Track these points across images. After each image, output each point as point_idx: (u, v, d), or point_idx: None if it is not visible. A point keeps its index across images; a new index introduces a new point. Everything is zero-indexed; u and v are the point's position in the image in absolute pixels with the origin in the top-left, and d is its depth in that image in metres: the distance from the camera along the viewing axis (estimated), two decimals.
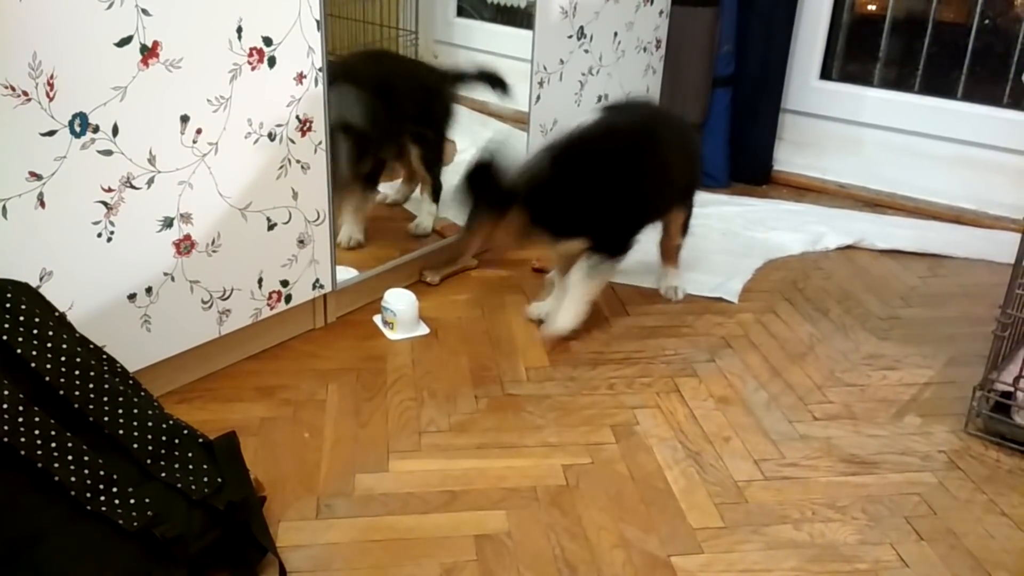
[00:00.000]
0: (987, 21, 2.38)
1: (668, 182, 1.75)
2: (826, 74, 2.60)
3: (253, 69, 1.39)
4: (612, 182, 1.60)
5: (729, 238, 2.18)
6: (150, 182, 1.30)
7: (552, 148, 1.61)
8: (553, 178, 1.57)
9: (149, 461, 1.07)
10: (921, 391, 1.57)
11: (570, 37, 2.05)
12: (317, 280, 1.63)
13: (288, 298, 1.58)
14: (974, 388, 1.44)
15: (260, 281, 1.52)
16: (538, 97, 2.02)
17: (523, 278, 1.95)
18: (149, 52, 1.24)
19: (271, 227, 1.51)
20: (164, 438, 1.09)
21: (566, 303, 1.68)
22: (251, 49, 1.37)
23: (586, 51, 2.11)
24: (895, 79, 2.55)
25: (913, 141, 2.46)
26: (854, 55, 2.61)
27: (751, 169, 2.58)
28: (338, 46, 2.31)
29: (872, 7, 2.59)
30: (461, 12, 2.73)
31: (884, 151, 2.51)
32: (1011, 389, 1.40)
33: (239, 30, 1.35)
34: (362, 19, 2.51)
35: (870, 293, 1.95)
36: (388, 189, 2.23)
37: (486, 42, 2.52)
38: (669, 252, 1.90)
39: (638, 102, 2.11)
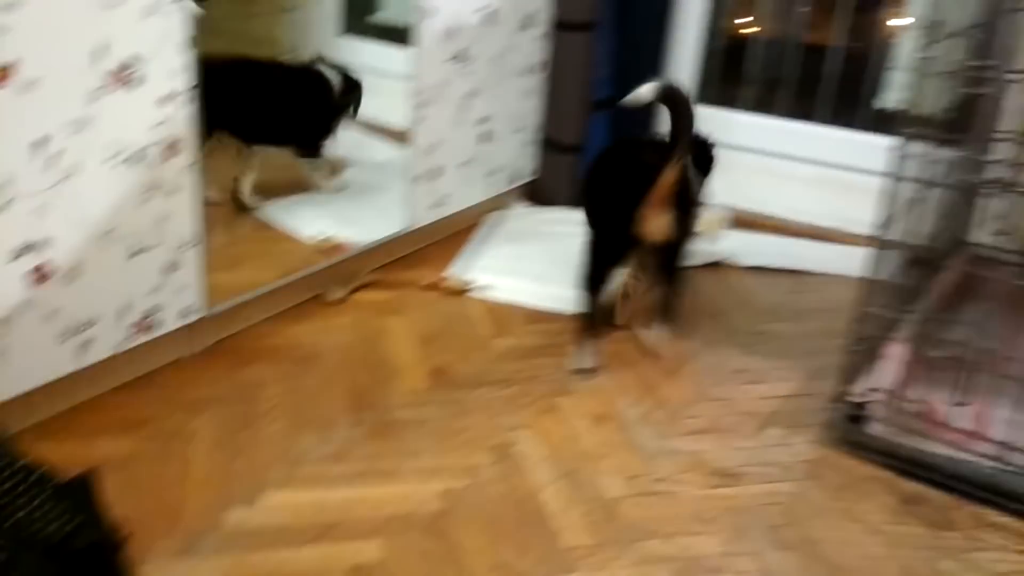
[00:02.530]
0: (841, 46, 2.53)
1: None
2: (702, 98, 2.70)
3: (116, 90, 1.34)
4: None
5: None
6: (3, 208, 1.24)
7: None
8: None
9: None
10: (783, 404, 1.65)
11: (452, 59, 2.07)
12: (188, 306, 1.58)
13: (156, 326, 1.53)
14: (830, 400, 1.52)
15: (125, 309, 1.46)
16: (420, 117, 2.02)
17: (406, 300, 1.95)
18: (3, 72, 1.18)
19: (136, 253, 1.46)
20: (10, 483, 1.04)
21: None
22: (114, 69, 1.33)
23: (467, 73, 2.13)
24: (762, 103, 2.67)
25: (777, 163, 2.59)
26: (724, 79, 2.73)
27: None
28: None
29: (743, 31, 2.71)
30: (346, 30, 2.72)
31: (751, 172, 2.62)
32: (864, 400, 1.48)
33: (102, 49, 1.30)
34: (242, 36, 2.46)
35: (738, 309, 2.03)
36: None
37: (371, 61, 2.51)
38: None
39: None
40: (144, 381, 1.56)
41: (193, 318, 1.60)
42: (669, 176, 1.57)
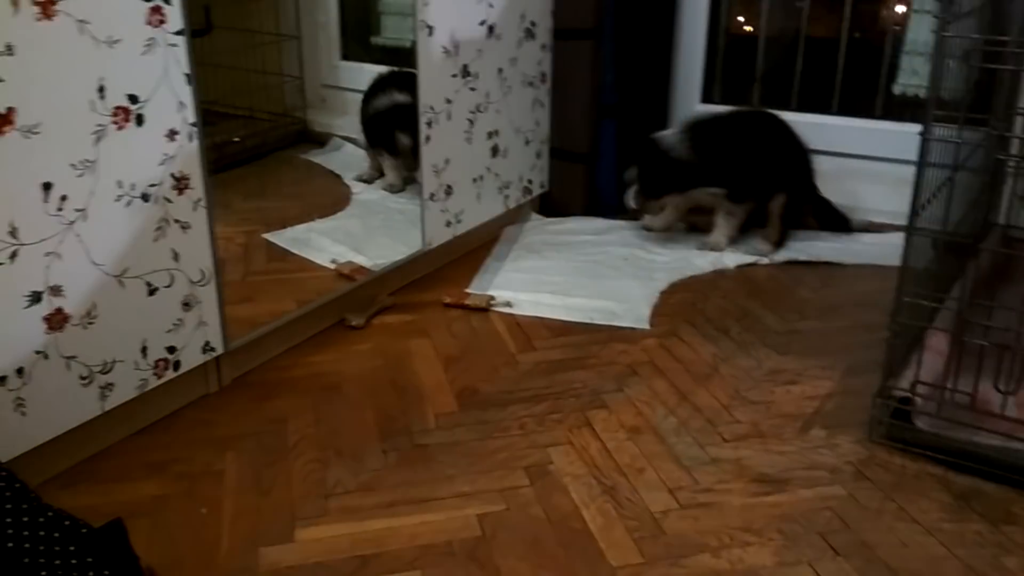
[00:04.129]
0: (856, 35, 2.49)
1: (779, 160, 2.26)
2: (707, 97, 2.66)
3: (120, 129, 1.32)
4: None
5: (632, 263, 2.20)
6: (13, 256, 1.21)
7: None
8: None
9: (27, 560, 0.98)
10: (823, 403, 1.60)
11: (455, 76, 2.04)
12: (207, 343, 1.55)
13: (176, 365, 1.50)
14: (873, 396, 1.47)
15: (144, 350, 1.44)
16: (427, 137, 2.00)
17: (428, 321, 1.91)
18: (3, 119, 1.16)
19: (152, 292, 1.43)
20: (42, 533, 1.01)
21: (717, 232, 2.26)
22: (116, 108, 1.31)
23: (472, 89, 2.11)
24: (772, 98, 2.63)
25: None
26: (732, 76, 2.69)
27: None
28: (218, 96, 2.24)
29: (748, 28, 2.68)
30: (347, 55, 2.70)
31: None
32: (909, 395, 1.43)
33: (101, 89, 1.28)
34: (243, 67, 2.45)
35: (767, 309, 1.98)
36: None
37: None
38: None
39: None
40: (168, 422, 1.52)
41: (213, 354, 1.57)
42: None
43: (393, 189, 2.35)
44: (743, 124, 2.30)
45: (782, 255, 2.24)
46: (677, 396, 1.62)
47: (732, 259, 2.23)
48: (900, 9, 2.45)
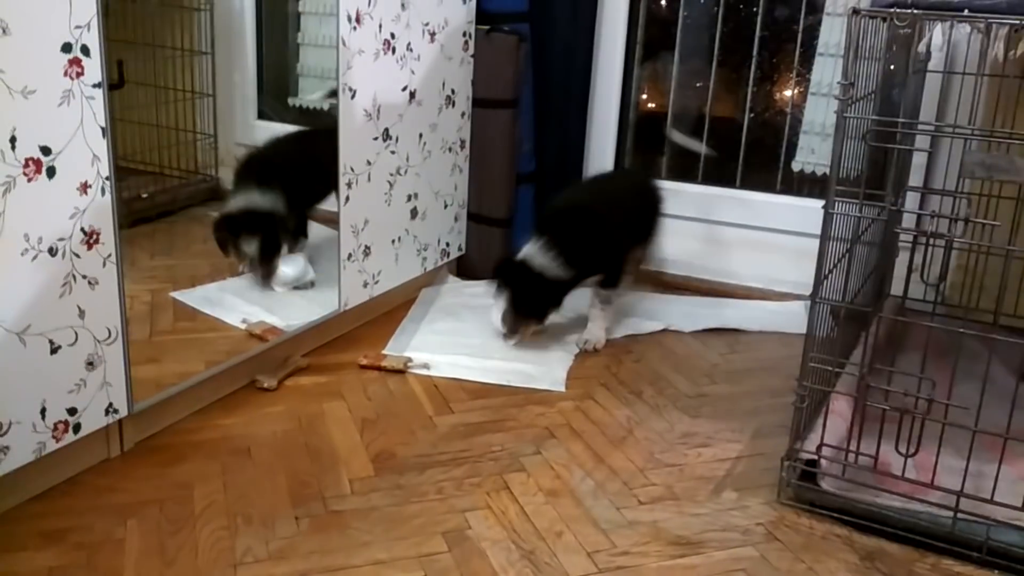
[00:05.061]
0: (753, 115, 2.63)
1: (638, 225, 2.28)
2: (618, 169, 2.75)
3: (30, 181, 1.27)
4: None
5: (548, 327, 2.22)
6: None
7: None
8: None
9: None
10: (734, 465, 1.64)
11: (376, 139, 2.05)
12: (110, 404, 1.48)
13: (77, 427, 1.43)
14: (781, 459, 1.51)
15: (43, 411, 1.36)
16: (347, 198, 2.00)
17: (343, 382, 1.88)
18: None
19: (54, 350, 1.37)
20: None
21: (594, 326, 2.16)
22: (27, 159, 1.26)
23: (392, 152, 2.12)
24: (680, 171, 2.75)
25: (701, 227, 2.64)
26: (642, 150, 2.80)
27: None
28: (127, 151, 2.19)
29: (652, 105, 2.80)
30: (262, 115, 2.69)
31: (676, 237, 2.66)
32: (815, 457, 1.48)
33: (12, 140, 1.24)
34: (155, 123, 2.41)
35: (678, 373, 2.03)
36: None
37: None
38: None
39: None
40: (66, 487, 1.44)
41: (117, 416, 1.50)
42: None
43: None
44: (598, 207, 2.15)
45: (691, 323, 2.30)
46: (594, 459, 1.63)
47: (648, 326, 2.28)
48: (797, 91, 2.61)
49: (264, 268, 2.14)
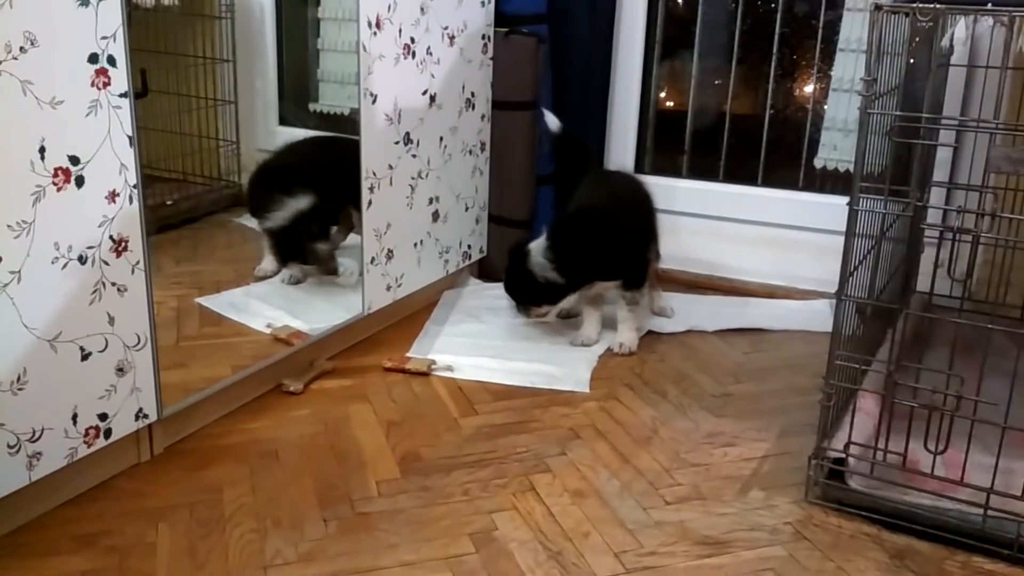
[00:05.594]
0: (774, 112, 2.62)
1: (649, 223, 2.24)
2: (639, 168, 2.75)
3: (59, 190, 1.29)
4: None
5: (570, 327, 2.22)
6: None
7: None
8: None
9: None
10: (760, 464, 1.63)
11: (397, 143, 2.07)
12: (140, 410, 1.50)
13: (108, 433, 1.45)
14: (809, 457, 1.51)
15: (75, 417, 1.38)
16: (370, 202, 2.01)
17: (368, 386, 1.89)
18: None
19: (85, 357, 1.39)
20: None
21: (624, 329, 2.11)
22: (56, 169, 1.28)
23: (414, 156, 2.13)
24: (701, 169, 2.74)
25: (722, 225, 2.63)
26: (662, 149, 2.79)
27: None
28: (151, 159, 2.21)
29: (670, 103, 2.79)
30: (283, 121, 2.71)
31: (698, 236, 2.66)
32: (843, 455, 1.47)
33: (42, 150, 1.26)
34: (178, 131, 2.44)
35: (702, 372, 2.03)
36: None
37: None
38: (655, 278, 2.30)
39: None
40: (98, 492, 1.46)
41: (147, 421, 1.52)
42: None
43: (293, 280, 2.22)
44: (608, 213, 2.11)
45: (714, 323, 2.30)
46: (619, 459, 1.63)
47: (670, 327, 2.27)
48: (809, 89, 2.60)
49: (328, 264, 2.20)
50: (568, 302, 2.11)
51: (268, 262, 2.22)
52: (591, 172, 2.38)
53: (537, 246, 2.04)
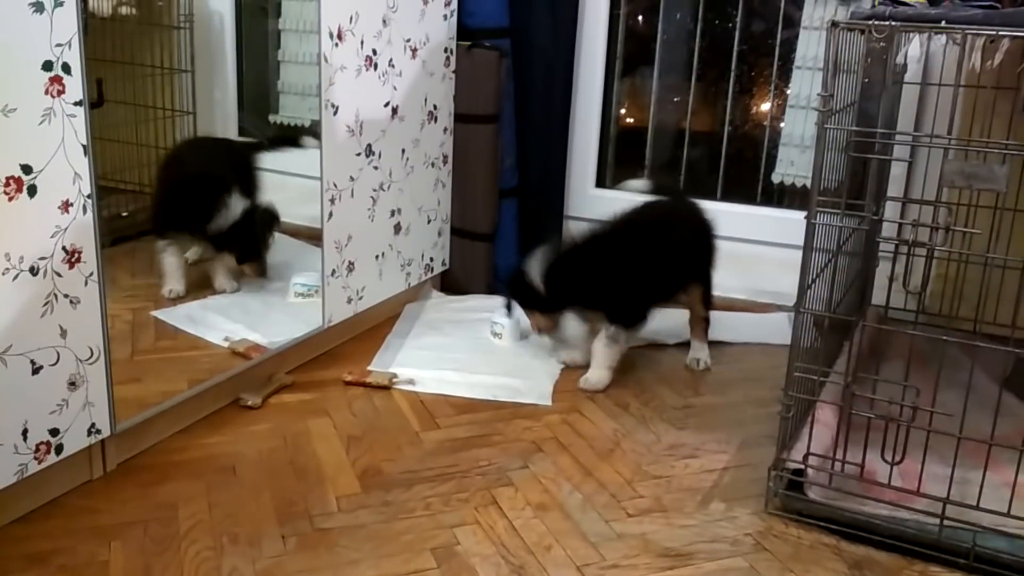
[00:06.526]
0: (732, 128, 2.66)
1: (674, 263, 2.07)
2: (600, 182, 2.77)
3: (11, 200, 1.26)
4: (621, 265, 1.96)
5: (532, 340, 2.22)
6: None
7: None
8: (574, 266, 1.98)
9: None
10: (721, 476, 1.64)
11: (358, 155, 2.05)
12: (93, 425, 1.47)
13: (59, 448, 1.41)
14: (768, 469, 1.52)
15: (25, 432, 1.35)
16: (330, 214, 1.99)
17: (328, 399, 1.87)
18: None
19: (36, 370, 1.35)
20: None
21: (594, 365, 1.99)
22: (8, 178, 1.25)
23: (375, 167, 2.12)
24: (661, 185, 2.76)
25: None
26: (623, 164, 2.82)
27: None
28: (107, 170, 2.18)
29: (631, 120, 2.82)
30: (243, 132, 2.68)
31: None
32: (802, 466, 1.49)
33: None
34: (135, 142, 2.40)
35: (663, 385, 2.04)
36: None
37: (272, 161, 2.48)
38: (695, 325, 2.18)
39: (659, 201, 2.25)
40: (49, 509, 1.42)
41: (99, 436, 1.49)
42: None
43: (228, 290, 2.19)
44: (617, 241, 2.02)
45: (675, 336, 2.31)
46: (581, 472, 1.63)
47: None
48: (766, 106, 2.64)
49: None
50: (569, 324, 2.10)
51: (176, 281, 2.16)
52: (659, 200, 2.22)
53: (542, 252, 2.05)
